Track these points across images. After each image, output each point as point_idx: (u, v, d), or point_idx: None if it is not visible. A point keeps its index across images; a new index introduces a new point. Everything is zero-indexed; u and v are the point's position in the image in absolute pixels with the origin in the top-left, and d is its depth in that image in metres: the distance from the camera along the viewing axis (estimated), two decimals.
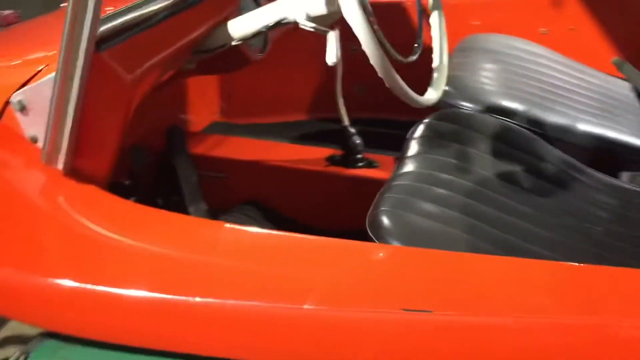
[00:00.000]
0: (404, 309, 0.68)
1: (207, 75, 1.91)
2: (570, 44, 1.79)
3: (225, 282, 0.76)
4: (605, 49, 1.77)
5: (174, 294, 0.74)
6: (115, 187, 1.43)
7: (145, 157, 1.32)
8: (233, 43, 1.10)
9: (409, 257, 0.76)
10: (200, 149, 1.54)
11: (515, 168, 1.14)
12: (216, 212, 1.50)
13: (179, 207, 1.46)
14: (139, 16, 0.91)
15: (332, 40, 0.99)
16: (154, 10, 0.95)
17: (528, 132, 1.24)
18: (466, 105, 1.41)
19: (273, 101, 2.01)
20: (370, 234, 0.91)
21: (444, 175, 1.07)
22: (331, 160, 1.48)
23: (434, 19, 1.28)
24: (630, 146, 1.34)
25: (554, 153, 1.21)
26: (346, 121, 1.51)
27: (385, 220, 0.92)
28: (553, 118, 1.38)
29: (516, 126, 1.25)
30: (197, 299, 0.74)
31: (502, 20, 1.85)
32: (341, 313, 0.70)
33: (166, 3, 0.98)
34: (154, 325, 0.76)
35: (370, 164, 1.47)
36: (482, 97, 1.41)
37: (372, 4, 1.95)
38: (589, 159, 1.37)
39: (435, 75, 1.26)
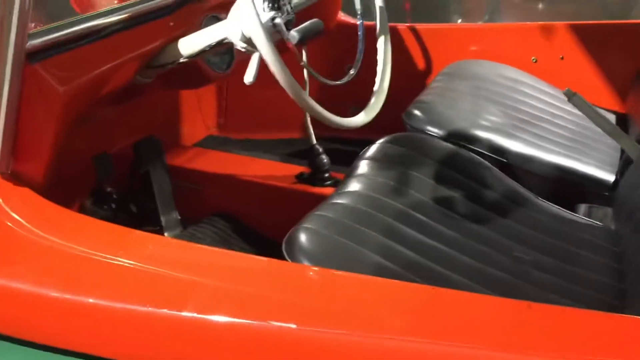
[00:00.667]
0: (269, 321, 0.72)
1: (204, 90, 1.99)
2: (560, 73, 1.78)
3: (122, 284, 0.81)
4: (593, 78, 1.75)
5: (70, 293, 0.80)
6: (97, 193, 1.52)
7: (110, 165, 1.39)
8: (181, 60, 1.15)
9: (291, 273, 0.79)
10: (178, 160, 1.60)
11: (455, 194, 1.15)
12: (188, 221, 1.56)
13: (153, 215, 1.53)
14: (77, 31, 0.98)
15: (254, 61, 1.03)
16: (94, 26, 1.01)
17: (480, 159, 1.25)
18: (431, 129, 1.43)
19: (269, 118, 2.07)
20: (284, 251, 0.95)
21: (377, 196, 1.09)
22: (299, 177, 1.52)
23: (380, 44, 1.31)
24: (593, 178, 1.33)
25: (501, 182, 1.21)
26: (314, 140, 1.55)
27: (299, 239, 0.95)
28: (517, 146, 1.38)
29: (468, 153, 1.26)
30: (91, 300, 0.79)
31: (495, 47, 1.86)
32: (212, 320, 0.74)
33: (109, 20, 1.04)
34: (55, 323, 0.81)
35: (336, 183, 1.50)
36: (447, 122, 1.43)
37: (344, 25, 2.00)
38: (551, 190, 1.37)
39: (372, 99, 1.28)
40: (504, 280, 0.98)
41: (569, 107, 1.63)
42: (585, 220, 1.20)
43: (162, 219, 1.51)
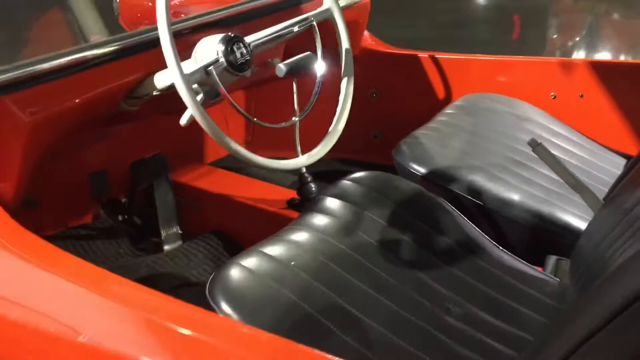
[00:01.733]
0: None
1: (231, 107, 2.10)
2: (579, 111, 1.72)
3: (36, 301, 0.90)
4: (611, 118, 1.68)
5: None
6: (112, 203, 1.66)
7: (106, 182, 1.52)
8: (154, 93, 1.24)
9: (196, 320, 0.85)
10: (185, 178, 1.71)
11: (404, 237, 1.16)
12: (190, 235, 1.67)
13: (156, 227, 1.65)
14: (47, 68, 1.09)
15: (198, 98, 1.09)
16: (69, 61, 1.11)
17: (442, 203, 1.25)
18: (414, 167, 1.44)
19: (293, 137, 2.14)
20: (208, 285, 1.01)
21: (322, 236, 1.13)
22: (290, 203, 1.57)
23: (343, 86, 1.33)
24: (569, 228, 1.29)
25: (459, 228, 1.21)
26: (303, 168, 1.60)
27: (225, 276, 1.02)
28: (497, 190, 1.36)
29: (431, 196, 1.26)
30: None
31: (515, 80, 1.82)
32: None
33: (86, 54, 1.14)
34: None
35: None
36: (431, 161, 1.44)
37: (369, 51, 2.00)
38: (527, 238, 1.34)
39: (321, 142, 1.30)
40: (423, 331, 0.99)
41: (572, 148, 1.58)
42: (541, 274, 1.17)
43: (162, 232, 1.63)
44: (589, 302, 0.66)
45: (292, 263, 1.05)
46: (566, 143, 1.59)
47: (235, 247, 1.62)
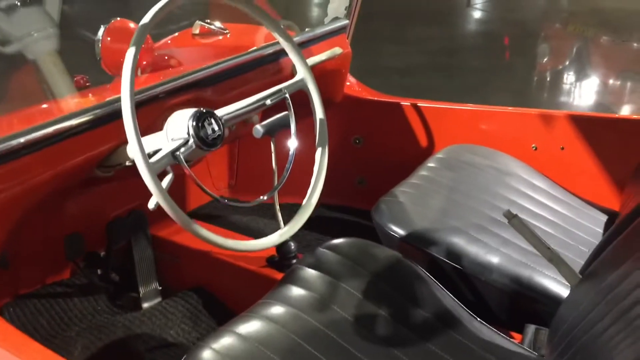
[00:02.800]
0: None
1: (214, 153, 2.09)
2: (560, 163, 1.72)
3: None
4: (592, 171, 1.67)
5: None
6: (91, 256, 1.64)
7: (81, 244, 1.50)
8: (127, 163, 1.23)
9: None
10: (164, 232, 1.69)
11: (380, 311, 1.15)
12: (170, 291, 1.64)
13: (135, 283, 1.62)
14: (18, 145, 1.08)
15: (167, 180, 1.07)
16: (34, 138, 1.10)
17: (419, 272, 1.23)
18: (392, 228, 1.42)
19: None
20: None
21: (295, 312, 1.11)
22: (269, 261, 1.56)
23: (317, 156, 1.32)
24: (548, 295, 1.27)
25: (435, 299, 1.19)
26: (282, 225, 1.58)
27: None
28: (476, 253, 1.35)
29: (408, 264, 1.24)
30: None
31: (497, 131, 1.82)
32: None
33: (52, 129, 1.13)
34: None
35: None
36: (410, 222, 1.42)
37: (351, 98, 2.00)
38: (506, 305, 1.33)
39: (294, 217, 1.28)
40: None
41: (553, 204, 1.57)
42: (519, 347, 1.16)
43: (141, 289, 1.60)
44: None
45: (262, 346, 1.03)
46: (547, 199, 1.58)
47: (215, 305, 1.60)
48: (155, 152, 1.16)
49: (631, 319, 0.84)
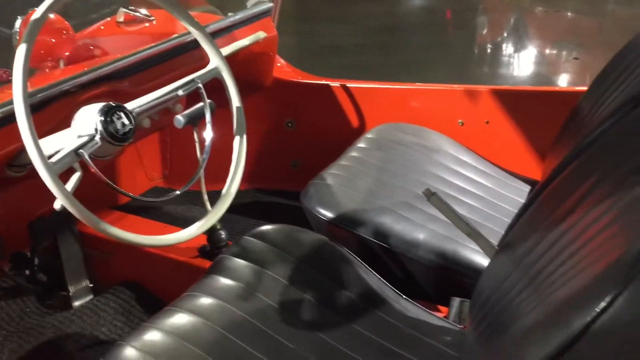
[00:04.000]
0: None
1: (144, 144, 2.04)
2: (485, 137, 1.75)
3: None
4: (516, 143, 1.71)
5: None
6: (17, 257, 1.59)
7: (1, 246, 1.45)
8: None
9: None
10: (89, 227, 1.65)
11: (305, 296, 1.15)
12: (101, 287, 1.61)
13: (64, 282, 1.59)
14: None
15: (73, 180, 1.04)
16: None
17: (344, 253, 1.24)
18: (320, 211, 1.43)
19: (211, 170, 2.10)
20: None
21: (220, 303, 1.10)
22: (201, 251, 1.54)
23: (235, 144, 1.31)
24: (472, 267, 1.30)
25: (360, 280, 1.20)
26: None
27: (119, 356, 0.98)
28: (403, 231, 1.36)
29: (333, 247, 1.25)
30: None
31: (425, 108, 1.84)
32: None
33: None
34: None
35: None
36: (337, 204, 1.43)
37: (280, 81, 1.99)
38: (433, 280, 1.35)
39: (215, 207, 1.27)
40: None
41: (478, 177, 1.60)
42: (444, 322, 1.18)
43: (70, 287, 1.57)
44: None
45: (186, 341, 1.02)
46: (473, 173, 1.61)
47: (148, 299, 1.58)
48: (58, 150, 1.13)
49: (539, 282, 0.86)
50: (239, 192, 2.15)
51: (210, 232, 1.53)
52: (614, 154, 0.88)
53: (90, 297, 1.59)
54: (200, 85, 1.25)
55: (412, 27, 5.38)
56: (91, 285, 1.61)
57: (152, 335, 1.03)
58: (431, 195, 1.19)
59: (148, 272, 1.60)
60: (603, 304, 0.49)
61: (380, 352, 1.08)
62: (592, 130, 1.01)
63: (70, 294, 1.56)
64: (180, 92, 1.24)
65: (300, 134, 2.03)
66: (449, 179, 1.56)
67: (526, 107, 1.69)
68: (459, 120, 1.77)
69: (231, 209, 2.05)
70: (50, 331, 1.46)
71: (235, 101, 1.28)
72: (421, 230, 1.36)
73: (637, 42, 1.34)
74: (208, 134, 1.27)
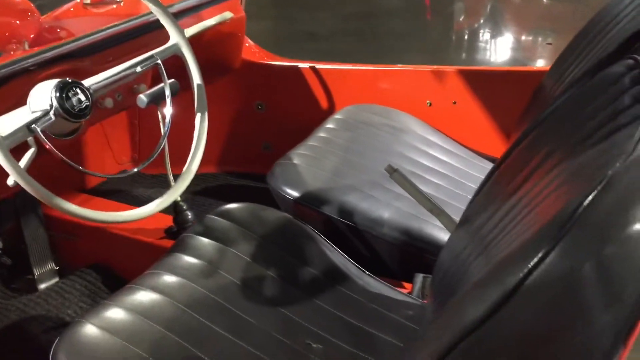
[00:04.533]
0: None
1: (113, 127, 2.02)
2: (453, 117, 1.76)
3: None
4: (482, 123, 1.72)
5: None
6: None
7: None
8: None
9: None
10: (56, 210, 1.63)
11: (268, 273, 1.15)
12: (67, 270, 1.60)
13: (29, 265, 1.57)
14: None
15: (27, 155, 1.03)
16: None
17: (308, 231, 1.24)
18: (286, 190, 1.42)
19: (180, 153, 2.09)
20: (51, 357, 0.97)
21: (181, 280, 1.10)
22: (168, 232, 1.53)
23: (197, 122, 1.30)
24: (435, 243, 1.31)
25: (323, 257, 1.21)
26: (178, 197, 1.56)
27: (75, 333, 0.98)
28: (368, 209, 1.37)
29: (297, 224, 1.25)
30: None
31: (393, 89, 1.84)
32: None
33: None
34: None
35: None
36: (303, 184, 1.43)
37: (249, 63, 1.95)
38: (398, 257, 1.36)
39: (175, 185, 1.26)
40: None
41: (444, 157, 1.61)
42: (406, 296, 1.19)
43: (35, 270, 1.55)
44: (438, 328, 0.66)
45: (145, 317, 1.01)
46: (440, 152, 1.62)
47: (114, 280, 1.57)
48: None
49: (489, 250, 0.87)
50: (210, 176, 2.17)
51: (177, 213, 1.52)
52: (567, 124, 0.89)
53: (55, 279, 1.57)
54: (159, 62, 1.24)
55: (389, 13, 5.37)
56: (57, 267, 1.59)
57: (112, 313, 1.02)
58: (393, 172, 1.19)
59: (114, 254, 1.59)
60: (535, 260, 0.49)
61: (342, 327, 1.09)
62: (550, 105, 1.02)
63: (35, 276, 1.55)
64: (138, 69, 1.23)
65: (270, 116, 2.03)
66: (416, 158, 1.57)
67: (493, 87, 1.70)
68: (427, 101, 1.78)
69: (200, 192, 2.06)
70: (14, 314, 1.45)
71: (196, 78, 1.27)
72: (386, 208, 1.37)
73: (599, 19, 1.35)
74: (168, 109, 1.26)
